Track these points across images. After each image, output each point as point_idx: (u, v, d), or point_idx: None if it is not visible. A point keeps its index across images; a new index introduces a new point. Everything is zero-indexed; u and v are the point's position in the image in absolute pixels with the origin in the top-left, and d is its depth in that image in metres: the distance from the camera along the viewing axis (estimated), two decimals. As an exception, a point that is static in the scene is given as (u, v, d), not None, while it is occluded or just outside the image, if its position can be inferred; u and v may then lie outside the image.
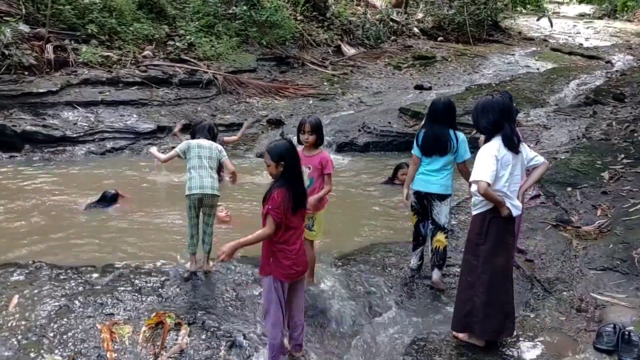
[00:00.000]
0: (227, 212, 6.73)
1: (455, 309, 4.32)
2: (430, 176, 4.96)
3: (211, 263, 5.05)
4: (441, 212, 5.01)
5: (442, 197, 4.98)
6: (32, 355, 3.73)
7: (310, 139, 4.61)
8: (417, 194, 5.09)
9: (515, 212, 4.04)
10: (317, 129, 4.62)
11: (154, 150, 5.96)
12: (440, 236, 5.05)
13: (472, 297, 4.14)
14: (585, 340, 4.33)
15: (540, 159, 4.25)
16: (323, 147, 4.91)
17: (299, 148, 4.35)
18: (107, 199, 7.22)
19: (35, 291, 4.39)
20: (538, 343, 4.30)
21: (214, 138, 5.54)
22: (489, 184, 3.84)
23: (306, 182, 4.29)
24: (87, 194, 7.70)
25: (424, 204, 5.10)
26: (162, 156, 5.43)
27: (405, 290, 5.17)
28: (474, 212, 4.17)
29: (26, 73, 11.08)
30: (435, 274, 5.12)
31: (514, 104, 5.54)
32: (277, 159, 3.69)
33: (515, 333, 4.37)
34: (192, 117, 11.74)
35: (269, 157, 3.71)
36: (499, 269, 4.10)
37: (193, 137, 5.43)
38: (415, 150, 5.07)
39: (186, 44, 13.75)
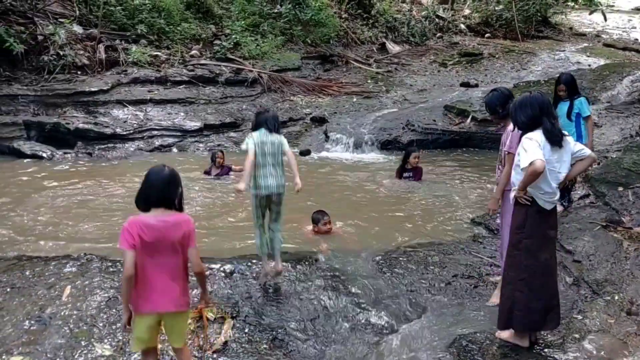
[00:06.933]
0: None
1: (500, 306, 4.26)
2: None
3: (281, 265, 4.78)
4: None
5: None
6: (83, 343, 3.88)
7: None
8: None
9: (548, 207, 3.99)
10: None
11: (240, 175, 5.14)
12: None
13: (514, 292, 4.08)
14: (635, 344, 4.18)
15: (587, 151, 4.15)
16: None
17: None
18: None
19: (87, 282, 4.55)
20: (585, 345, 4.19)
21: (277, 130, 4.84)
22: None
23: None
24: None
25: None
26: (248, 168, 4.59)
27: (448, 289, 5.13)
28: (515, 205, 4.11)
29: (79, 72, 11.53)
30: None
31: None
32: None
33: (561, 334, 4.27)
34: (237, 115, 11.93)
35: None
36: (542, 264, 4.03)
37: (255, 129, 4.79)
38: None
39: (232, 43, 13.94)
